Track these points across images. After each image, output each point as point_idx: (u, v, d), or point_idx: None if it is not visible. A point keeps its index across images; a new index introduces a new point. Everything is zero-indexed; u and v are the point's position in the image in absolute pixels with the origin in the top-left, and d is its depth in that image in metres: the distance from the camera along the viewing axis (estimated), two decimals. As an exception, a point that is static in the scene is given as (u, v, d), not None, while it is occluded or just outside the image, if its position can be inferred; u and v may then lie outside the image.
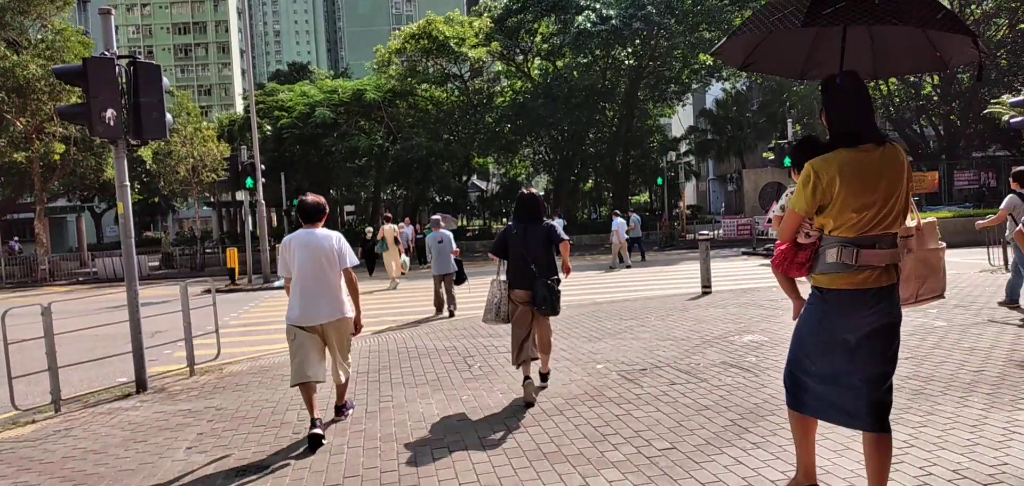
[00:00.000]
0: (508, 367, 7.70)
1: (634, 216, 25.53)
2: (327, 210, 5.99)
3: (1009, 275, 9.83)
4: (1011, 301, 9.47)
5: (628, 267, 22.56)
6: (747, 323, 9.60)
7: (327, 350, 5.84)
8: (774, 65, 4.02)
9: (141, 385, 8.00)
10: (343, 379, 5.97)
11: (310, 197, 5.92)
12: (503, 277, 6.58)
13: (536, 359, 6.47)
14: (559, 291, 6.37)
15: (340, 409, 6.22)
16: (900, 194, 3.20)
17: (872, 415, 3.24)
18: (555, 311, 6.35)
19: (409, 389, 7.06)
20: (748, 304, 11.33)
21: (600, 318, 10.85)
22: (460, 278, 13.61)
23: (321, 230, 5.80)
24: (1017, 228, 7.71)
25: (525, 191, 6.71)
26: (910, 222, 3.44)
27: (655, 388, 6.45)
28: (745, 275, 17.84)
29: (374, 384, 7.37)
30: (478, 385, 7.04)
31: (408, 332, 10.77)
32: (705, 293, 12.99)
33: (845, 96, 3.24)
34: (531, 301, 6.33)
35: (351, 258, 5.84)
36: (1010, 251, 10.23)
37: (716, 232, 36.93)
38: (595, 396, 6.31)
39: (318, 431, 5.41)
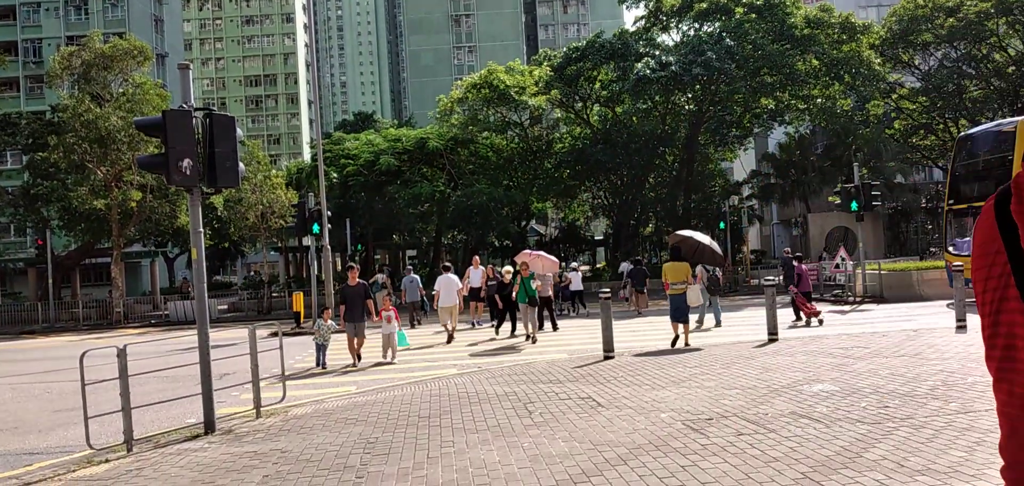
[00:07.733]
0: (569, 414, 7.62)
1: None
2: (452, 266, 19.25)
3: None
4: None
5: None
6: (816, 372, 9.29)
7: (451, 315, 17.05)
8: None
9: (210, 426, 8.18)
10: (453, 324, 17.17)
11: (446, 263, 20.44)
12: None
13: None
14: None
15: (458, 330, 17.43)
16: (681, 271, 13.23)
17: None
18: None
19: (470, 435, 7.04)
20: (817, 352, 10.98)
21: (663, 365, 10.66)
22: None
23: (451, 273, 17.68)
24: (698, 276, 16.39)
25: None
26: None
27: (722, 439, 6.28)
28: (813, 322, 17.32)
29: (435, 429, 7.37)
30: (539, 432, 6.97)
31: (467, 377, 10.77)
32: (771, 340, 12.65)
33: (675, 250, 14.33)
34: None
35: (458, 284, 17.65)
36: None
37: (781, 277, 36.00)
38: (659, 446, 6.18)
39: (451, 335, 16.95)
